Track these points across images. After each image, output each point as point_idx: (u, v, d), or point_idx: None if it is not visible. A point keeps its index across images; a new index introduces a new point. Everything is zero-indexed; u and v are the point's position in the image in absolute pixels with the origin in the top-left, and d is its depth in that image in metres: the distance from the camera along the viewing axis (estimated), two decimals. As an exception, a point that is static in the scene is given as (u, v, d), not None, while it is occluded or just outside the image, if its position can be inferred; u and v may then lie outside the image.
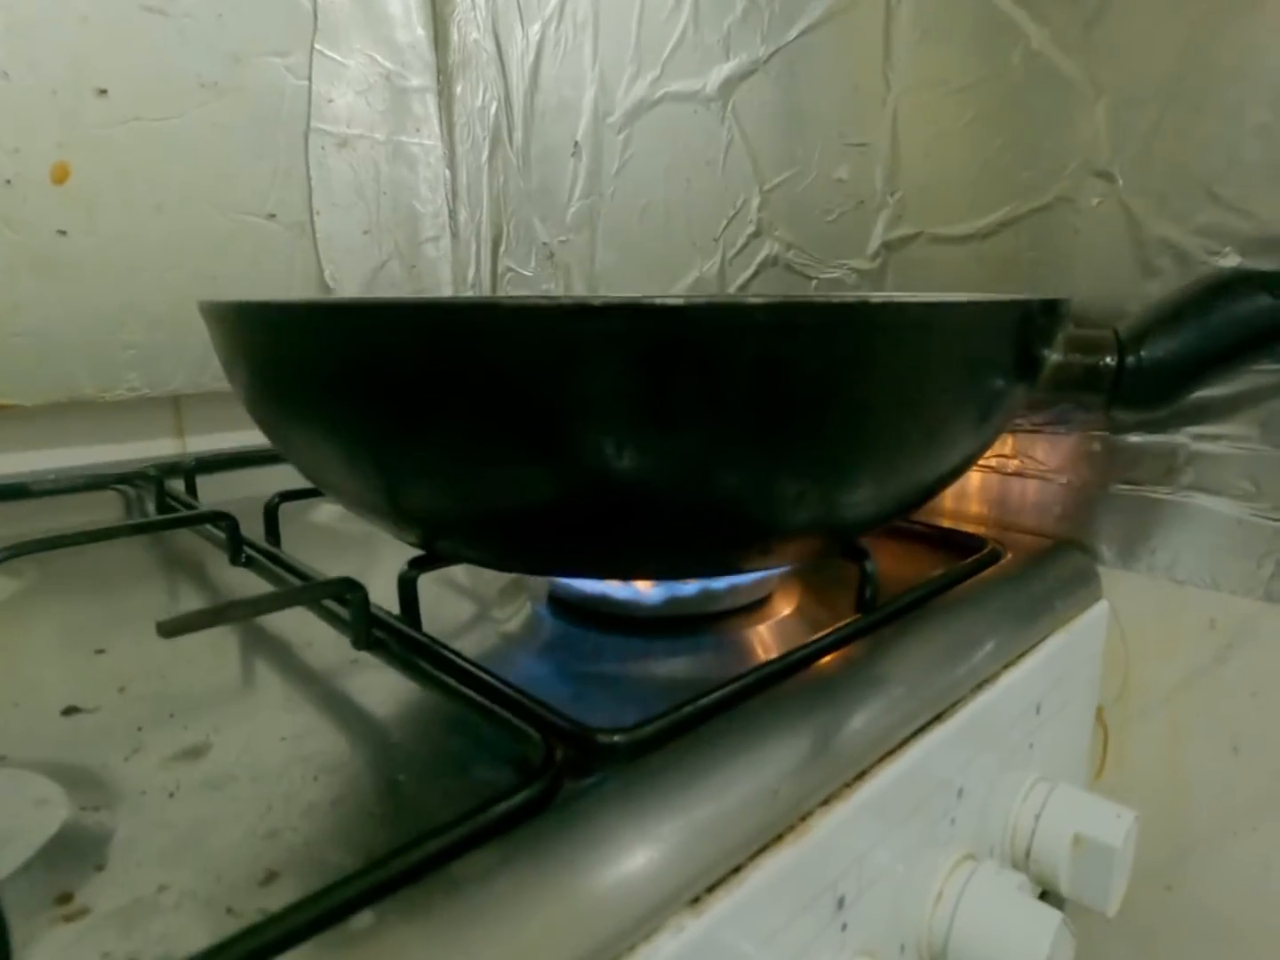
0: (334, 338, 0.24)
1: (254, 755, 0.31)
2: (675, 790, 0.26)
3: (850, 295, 0.22)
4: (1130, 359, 0.33)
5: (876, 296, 0.23)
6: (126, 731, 0.33)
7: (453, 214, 0.90)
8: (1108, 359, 0.33)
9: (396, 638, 0.35)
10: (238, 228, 0.75)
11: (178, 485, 0.63)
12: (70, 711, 0.35)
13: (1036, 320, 0.31)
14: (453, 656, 0.32)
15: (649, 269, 0.71)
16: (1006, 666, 0.39)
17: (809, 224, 0.59)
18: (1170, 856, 0.48)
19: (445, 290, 0.91)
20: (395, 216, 0.86)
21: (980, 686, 0.38)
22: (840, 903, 0.29)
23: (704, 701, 0.29)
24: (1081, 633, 0.45)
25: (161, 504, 0.59)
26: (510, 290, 0.85)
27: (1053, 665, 0.42)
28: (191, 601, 0.45)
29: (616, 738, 0.27)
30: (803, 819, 0.27)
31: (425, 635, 0.34)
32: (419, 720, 0.32)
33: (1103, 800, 0.39)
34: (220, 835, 0.26)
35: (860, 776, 0.30)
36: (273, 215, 0.77)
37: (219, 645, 0.41)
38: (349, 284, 0.83)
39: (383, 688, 0.34)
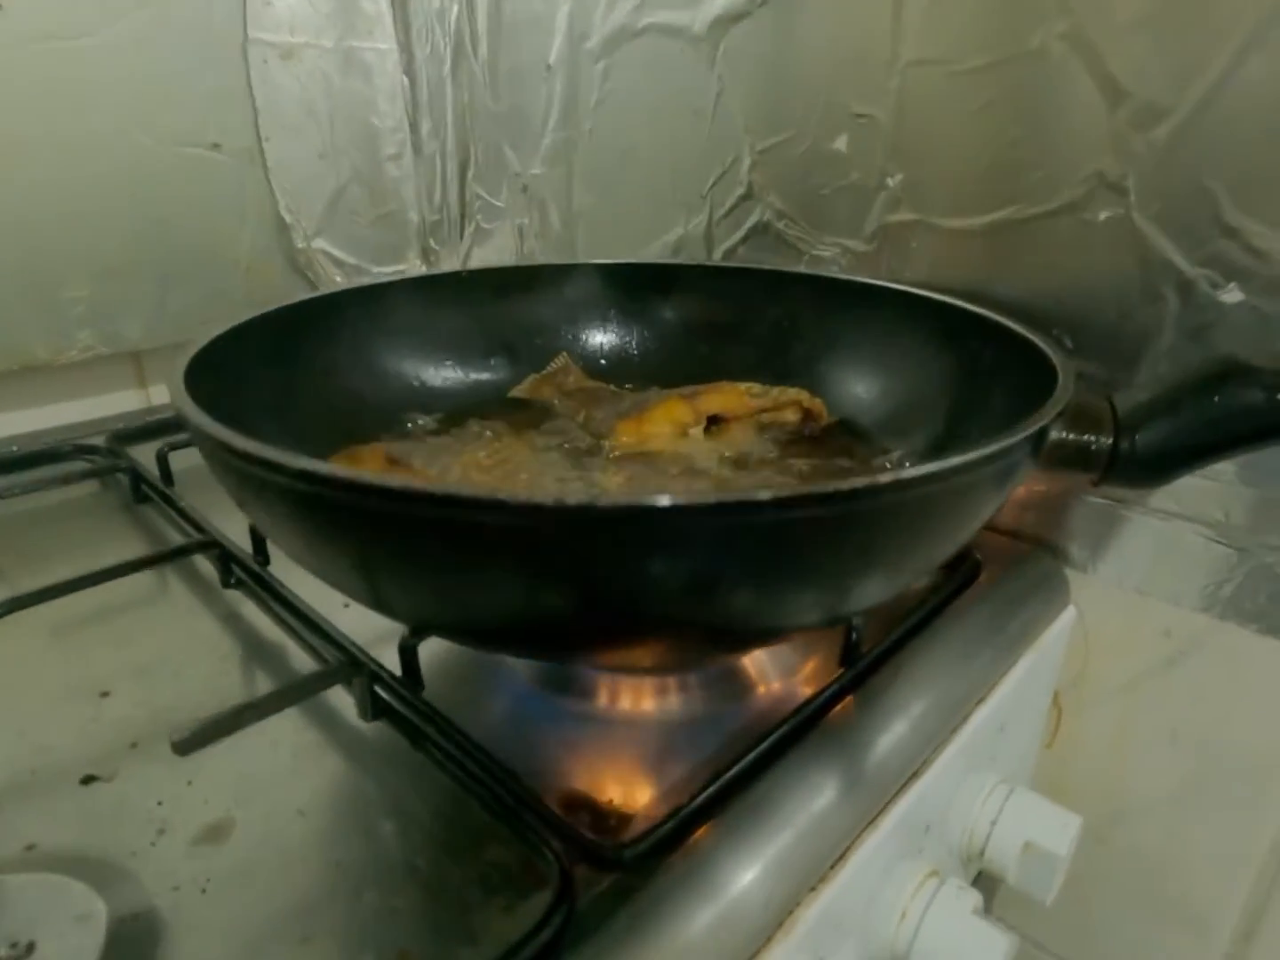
0: (364, 518, 0.24)
1: (275, 834, 0.33)
2: (677, 902, 0.28)
3: (846, 484, 0.21)
4: (1124, 444, 0.33)
5: (860, 482, 0.22)
6: (147, 806, 0.34)
7: (414, 127, 0.83)
8: (1103, 439, 0.33)
9: (402, 702, 0.36)
10: (179, 161, 0.69)
11: (145, 453, 0.62)
12: (88, 781, 0.36)
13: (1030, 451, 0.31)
14: (458, 740, 0.33)
15: (630, 218, 0.67)
16: (981, 701, 0.42)
17: (803, 195, 0.56)
18: (1104, 816, 0.54)
19: (411, 214, 0.85)
20: (351, 135, 0.79)
21: (964, 719, 0.41)
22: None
23: (701, 799, 0.31)
24: (1050, 642, 0.48)
25: (137, 491, 0.58)
26: (481, 221, 0.80)
27: (1024, 683, 0.45)
28: (183, 626, 0.46)
29: (626, 853, 0.29)
30: (790, 913, 0.30)
31: (428, 706, 0.35)
32: (429, 790, 0.34)
33: (1053, 808, 0.43)
34: (259, 946, 0.28)
35: (845, 854, 0.33)
36: (216, 145, 0.71)
37: (220, 688, 0.42)
38: (307, 216, 0.77)
39: (393, 752, 0.36)
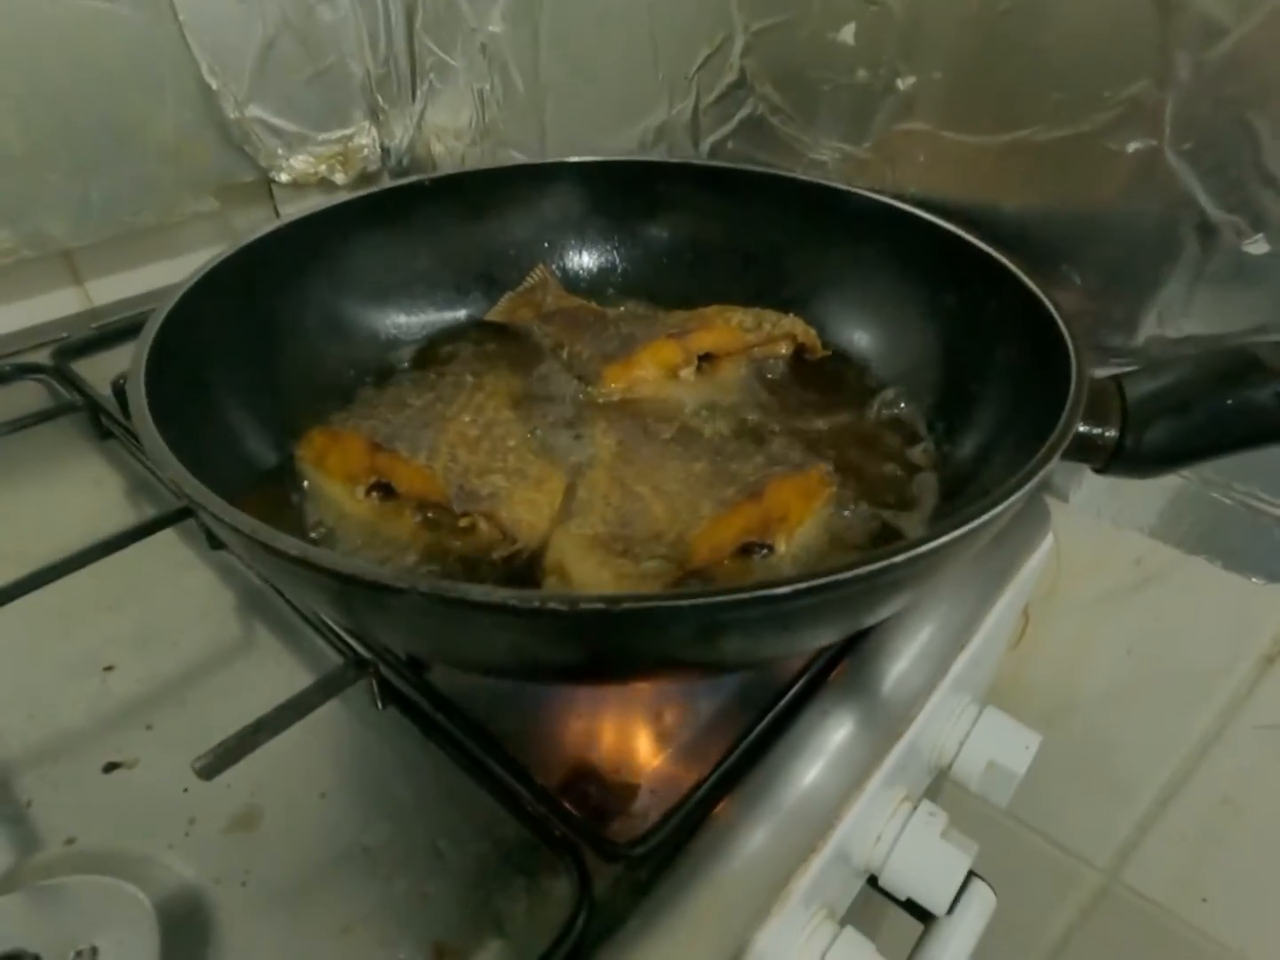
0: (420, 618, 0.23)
1: (301, 820, 0.35)
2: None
3: (853, 571, 0.21)
4: (1130, 440, 0.33)
5: (868, 567, 0.22)
6: (173, 795, 0.36)
7: (346, -41, 0.71)
8: (1109, 433, 0.33)
9: (410, 686, 0.37)
10: (73, 19, 0.59)
11: (94, 370, 0.59)
12: (111, 769, 0.37)
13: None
14: (465, 728, 0.35)
15: (606, 96, 0.60)
16: (973, 633, 0.44)
17: (801, 88, 0.50)
18: (1056, 705, 0.59)
19: (354, 66, 0.75)
20: (273, -28, 0.67)
21: (959, 652, 0.43)
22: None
23: (701, 792, 0.33)
24: (1030, 570, 0.49)
25: (98, 427, 0.55)
26: (435, 80, 0.71)
27: (1006, 608, 0.47)
28: (173, 588, 0.45)
29: (638, 849, 0.31)
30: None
31: (434, 690, 0.36)
32: (444, 770, 0.36)
33: (1017, 727, 0.47)
34: (302, 939, 0.31)
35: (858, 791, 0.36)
36: (115, -3, 0.60)
37: (222, 651, 0.42)
38: (235, 78, 0.68)
39: (407, 729, 0.37)
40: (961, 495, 0.38)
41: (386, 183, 0.49)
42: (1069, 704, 0.58)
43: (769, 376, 0.48)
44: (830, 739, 0.37)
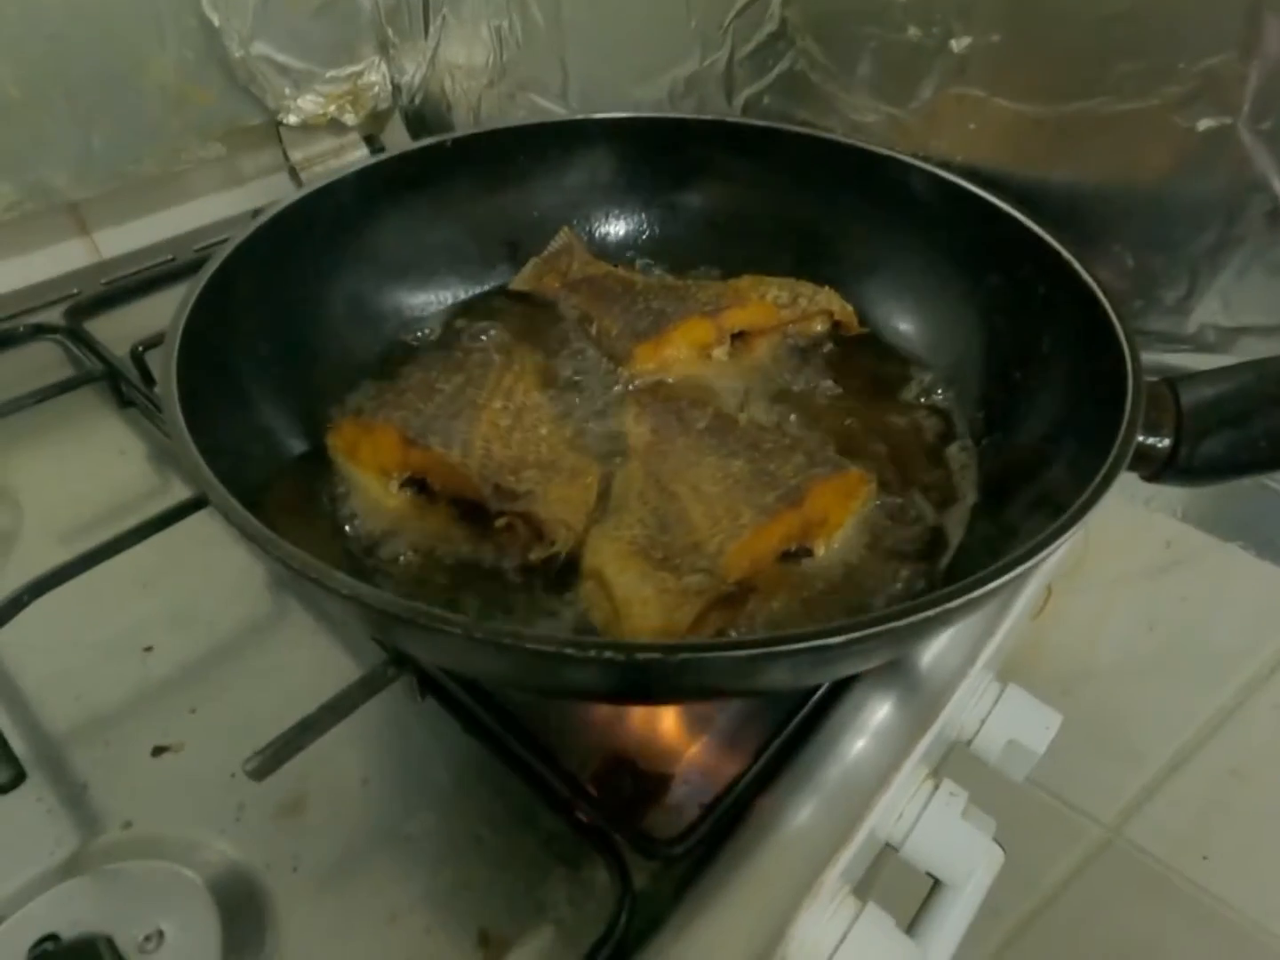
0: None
1: (345, 807, 0.36)
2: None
3: (883, 627, 0.21)
4: (1184, 450, 0.32)
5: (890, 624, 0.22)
6: (221, 779, 0.37)
7: (351, -124, 0.66)
8: (1162, 442, 0.32)
9: (450, 679, 0.38)
10: (65, -47, 0.55)
11: (107, 329, 0.58)
12: (159, 752, 0.38)
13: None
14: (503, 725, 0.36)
15: (633, 42, 0.56)
16: (1006, 615, 0.44)
17: (846, 44, 0.47)
18: (1074, 674, 0.60)
19: (360, -3, 0.70)
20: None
21: (993, 633, 0.43)
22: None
23: (740, 786, 0.34)
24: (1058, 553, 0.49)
25: (120, 396, 0.54)
26: (449, 15, 0.67)
27: (1033, 591, 0.47)
28: (203, 563, 0.46)
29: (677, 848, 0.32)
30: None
31: (474, 689, 0.37)
32: (483, 761, 0.37)
33: (1039, 707, 0.48)
34: (352, 926, 0.33)
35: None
36: (103, -77, 0.56)
37: (257, 627, 0.43)
38: (237, 13, 0.64)
39: (445, 724, 0.38)
40: (1002, 494, 0.38)
41: (406, 145, 0.46)
42: (1086, 672, 0.59)
43: (804, 354, 0.47)
44: (869, 723, 0.38)
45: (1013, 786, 0.53)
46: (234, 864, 0.34)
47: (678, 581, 0.31)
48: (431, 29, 0.70)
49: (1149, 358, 0.44)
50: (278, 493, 0.37)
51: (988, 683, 0.49)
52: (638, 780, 0.36)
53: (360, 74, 0.74)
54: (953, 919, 0.42)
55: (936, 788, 0.44)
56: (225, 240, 0.39)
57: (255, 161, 0.74)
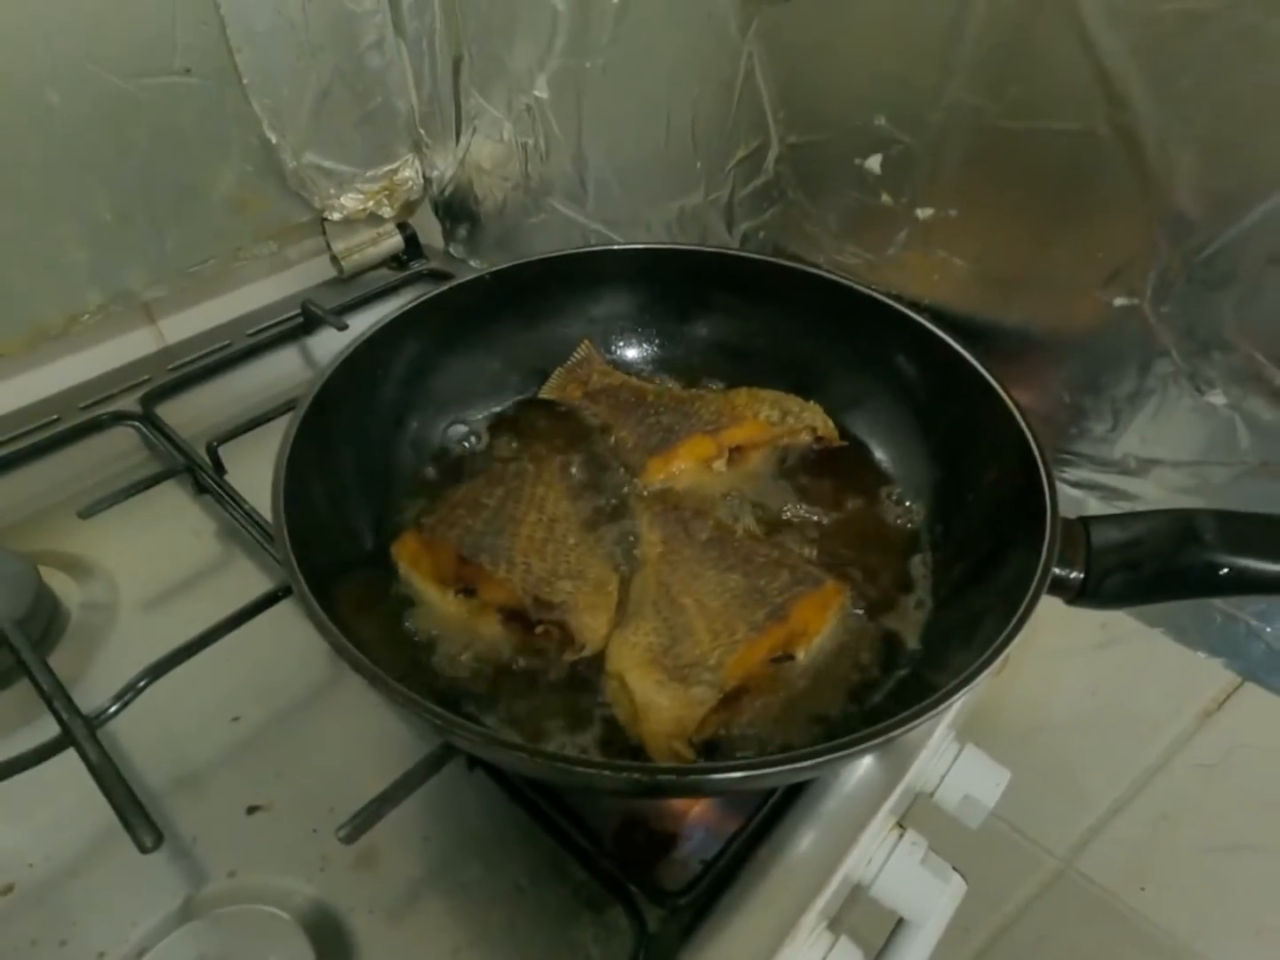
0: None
1: (411, 859, 0.44)
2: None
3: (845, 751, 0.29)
4: (1091, 583, 0.40)
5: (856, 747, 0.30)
6: (306, 834, 0.45)
7: (394, 4, 0.73)
8: (1074, 574, 0.40)
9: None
10: (150, 95, 0.63)
11: (176, 413, 0.66)
12: (253, 810, 0.46)
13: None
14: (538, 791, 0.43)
15: (647, 171, 0.64)
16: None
17: (830, 199, 0.55)
18: (1028, 726, 0.68)
19: (398, 103, 0.78)
20: (326, 27, 0.70)
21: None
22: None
23: (735, 845, 0.42)
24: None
25: (198, 486, 0.62)
26: (479, 126, 0.75)
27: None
28: (287, 637, 0.53)
29: (683, 898, 0.40)
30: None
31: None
32: (523, 822, 0.45)
33: (989, 764, 0.56)
34: (422, 957, 0.40)
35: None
36: (187, 70, 0.64)
37: (331, 710, 0.50)
38: (292, 130, 0.72)
39: (492, 792, 0.46)
40: (952, 603, 0.46)
41: (450, 281, 0.54)
42: (1039, 727, 0.67)
43: (791, 466, 0.55)
44: (845, 785, 0.45)
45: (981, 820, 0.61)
46: (321, 907, 0.42)
47: (686, 692, 0.39)
48: (462, 136, 0.77)
49: (1082, 475, 0.52)
50: (351, 589, 0.45)
51: (948, 743, 0.57)
52: (651, 837, 0.44)
53: (395, 171, 0.81)
54: (915, 951, 0.50)
55: (901, 837, 0.52)
56: (306, 383, 0.47)
57: (300, 250, 0.82)
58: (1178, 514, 0.40)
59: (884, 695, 0.43)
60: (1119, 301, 0.45)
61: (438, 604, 0.46)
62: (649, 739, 0.38)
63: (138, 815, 0.39)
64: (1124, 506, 0.52)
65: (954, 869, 0.54)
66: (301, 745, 0.49)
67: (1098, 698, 0.62)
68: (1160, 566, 0.39)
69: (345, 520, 0.47)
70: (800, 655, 0.43)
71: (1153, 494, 0.51)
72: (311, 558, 0.40)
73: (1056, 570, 0.40)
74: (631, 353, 0.62)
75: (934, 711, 0.33)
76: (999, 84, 0.44)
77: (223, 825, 0.46)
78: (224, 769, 0.48)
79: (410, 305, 0.52)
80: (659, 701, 0.38)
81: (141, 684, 0.46)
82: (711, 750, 0.40)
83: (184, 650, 0.48)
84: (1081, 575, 0.41)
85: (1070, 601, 0.42)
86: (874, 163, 0.51)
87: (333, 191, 0.77)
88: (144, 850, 0.38)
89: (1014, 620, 0.36)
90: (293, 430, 0.43)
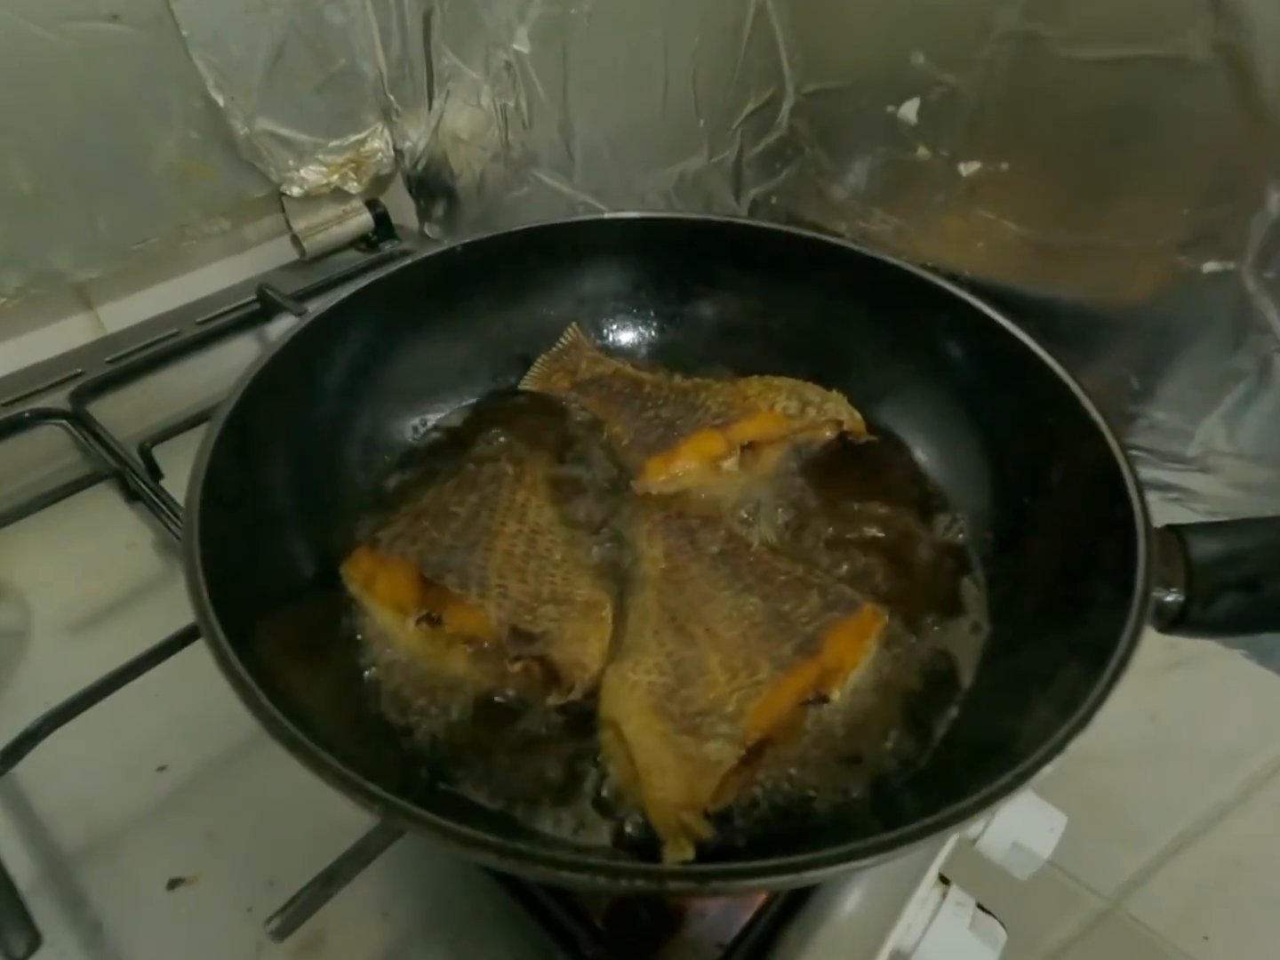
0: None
1: (367, 940, 0.36)
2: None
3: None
4: (1196, 608, 0.32)
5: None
6: (239, 914, 0.37)
7: (356, -46, 0.66)
8: (1174, 598, 0.33)
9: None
10: (76, 45, 0.55)
11: (110, 410, 0.58)
12: (175, 884, 0.38)
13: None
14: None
15: (641, 134, 0.57)
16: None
17: (855, 157, 0.47)
18: (1077, 756, 0.61)
19: (364, 67, 0.70)
20: (280, -25, 0.62)
21: None
22: None
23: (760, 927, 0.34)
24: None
25: (127, 492, 0.54)
26: (453, 90, 0.67)
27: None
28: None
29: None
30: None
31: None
32: (500, 895, 0.37)
33: (1044, 807, 0.49)
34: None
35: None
36: (114, 16, 0.56)
37: (268, 758, 0.43)
38: (242, 92, 0.64)
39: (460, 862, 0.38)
40: (1015, 630, 0.38)
41: (407, 212, 0.46)
42: (1088, 755, 0.60)
43: (812, 464, 0.47)
44: None
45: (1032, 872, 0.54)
46: (254, 1009, 0.35)
47: (698, 747, 0.31)
48: (435, 101, 0.70)
49: (1147, 473, 0.45)
50: (286, 626, 0.37)
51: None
52: (653, 915, 0.37)
53: (363, 141, 0.74)
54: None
55: (945, 896, 0.44)
56: (240, 375, 0.39)
57: (257, 229, 0.74)
58: (1300, 523, 0.32)
59: (939, 743, 0.35)
60: (1209, 267, 0.38)
61: (395, 635, 0.38)
62: (653, 809, 0.30)
63: (9, 912, 0.31)
64: (1199, 511, 0.45)
65: (996, 919, 0.47)
66: (238, 801, 0.41)
67: (1158, 725, 0.54)
68: (1284, 586, 0.31)
69: (282, 544, 0.39)
70: (835, 695, 0.35)
71: (1233, 497, 0.43)
72: (233, 594, 0.32)
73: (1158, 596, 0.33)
74: (626, 337, 0.54)
75: (1015, 789, 0.26)
76: (1065, 3, 0.37)
77: (137, 905, 0.38)
78: (145, 830, 0.40)
79: (366, 282, 0.45)
80: (664, 761, 0.31)
81: (42, 730, 0.39)
82: (722, 817, 0.32)
83: (92, 693, 0.40)
84: (1182, 598, 0.33)
85: (1165, 629, 0.34)
86: (909, 110, 0.43)
87: (291, 163, 0.69)
88: (15, 958, 0.30)
89: (1111, 665, 0.29)
90: (211, 439, 0.35)
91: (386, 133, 0.75)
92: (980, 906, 0.46)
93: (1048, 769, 0.27)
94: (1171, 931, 0.62)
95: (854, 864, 0.23)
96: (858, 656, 0.36)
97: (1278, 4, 0.31)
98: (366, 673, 0.37)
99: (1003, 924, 0.47)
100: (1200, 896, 0.58)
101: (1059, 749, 0.27)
